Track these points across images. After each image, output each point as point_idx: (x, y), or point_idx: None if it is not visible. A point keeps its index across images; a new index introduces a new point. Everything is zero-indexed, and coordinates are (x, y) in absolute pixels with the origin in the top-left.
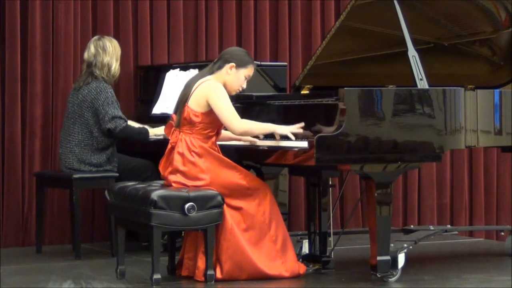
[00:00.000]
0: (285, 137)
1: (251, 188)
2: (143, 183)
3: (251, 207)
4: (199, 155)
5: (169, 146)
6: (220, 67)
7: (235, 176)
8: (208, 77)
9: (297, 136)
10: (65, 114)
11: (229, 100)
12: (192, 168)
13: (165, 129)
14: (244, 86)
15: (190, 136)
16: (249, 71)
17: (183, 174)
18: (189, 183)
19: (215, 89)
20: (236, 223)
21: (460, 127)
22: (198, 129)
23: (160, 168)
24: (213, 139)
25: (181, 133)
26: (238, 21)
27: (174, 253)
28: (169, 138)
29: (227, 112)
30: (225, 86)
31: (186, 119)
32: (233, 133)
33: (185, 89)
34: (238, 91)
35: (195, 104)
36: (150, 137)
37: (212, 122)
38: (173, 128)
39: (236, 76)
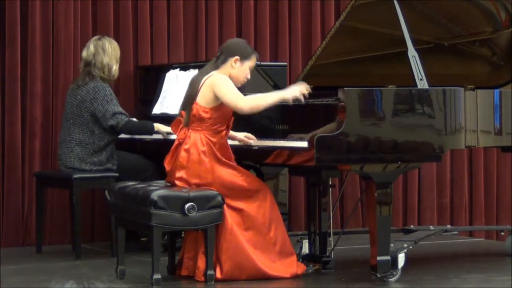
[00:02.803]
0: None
1: (251, 189)
2: (143, 183)
3: (252, 208)
4: (204, 154)
5: (176, 142)
6: (224, 61)
7: (236, 178)
8: (213, 72)
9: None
10: (63, 115)
11: (233, 85)
12: (196, 166)
13: (172, 126)
14: (249, 77)
15: (199, 133)
16: (252, 62)
17: (187, 171)
18: (192, 180)
19: (220, 80)
20: (236, 224)
21: (460, 127)
22: (208, 125)
23: (165, 164)
24: (223, 133)
25: (189, 130)
26: (238, 21)
27: (174, 253)
28: (176, 134)
29: (231, 94)
30: (230, 79)
31: (196, 116)
32: (241, 113)
33: (191, 86)
34: (243, 82)
35: (203, 100)
36: (155, 130)
37: (221, 117)
38: (181, 125)
39: (241, 69)
